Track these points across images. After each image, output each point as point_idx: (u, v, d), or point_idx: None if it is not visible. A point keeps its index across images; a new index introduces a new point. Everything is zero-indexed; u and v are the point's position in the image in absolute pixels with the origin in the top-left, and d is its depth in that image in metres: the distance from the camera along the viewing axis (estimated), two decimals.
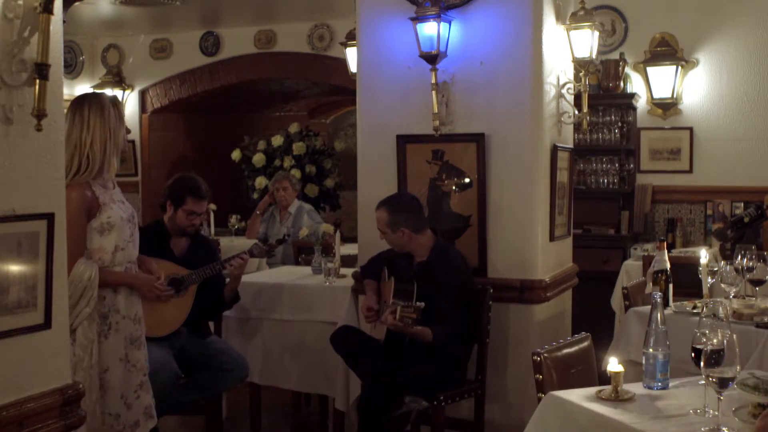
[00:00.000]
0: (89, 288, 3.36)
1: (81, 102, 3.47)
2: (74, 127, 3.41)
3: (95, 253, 3.42)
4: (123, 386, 3.50)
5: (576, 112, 4.73)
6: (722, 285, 3.81)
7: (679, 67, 6.77)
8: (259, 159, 8.36)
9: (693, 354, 2.52)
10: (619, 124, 6.87)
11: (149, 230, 4.59)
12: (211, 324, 4.81)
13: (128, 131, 3.59)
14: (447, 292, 3.98)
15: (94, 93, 3.54)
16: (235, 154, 8.63)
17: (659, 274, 4.02)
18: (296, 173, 7.87)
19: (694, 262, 4.12)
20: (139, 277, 3.61)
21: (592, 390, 2.64)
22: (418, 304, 3.82)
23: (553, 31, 4.51)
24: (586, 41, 4.59)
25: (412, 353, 3.99)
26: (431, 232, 4.21)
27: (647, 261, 5.32)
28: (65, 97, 2.97)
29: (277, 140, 8.40)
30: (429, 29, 4.30)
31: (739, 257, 3.76)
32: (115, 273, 3.47)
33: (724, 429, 2.29)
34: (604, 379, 2.85)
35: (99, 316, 3.44)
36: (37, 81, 2.65)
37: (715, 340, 2.47)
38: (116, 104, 3.53)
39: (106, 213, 3.42)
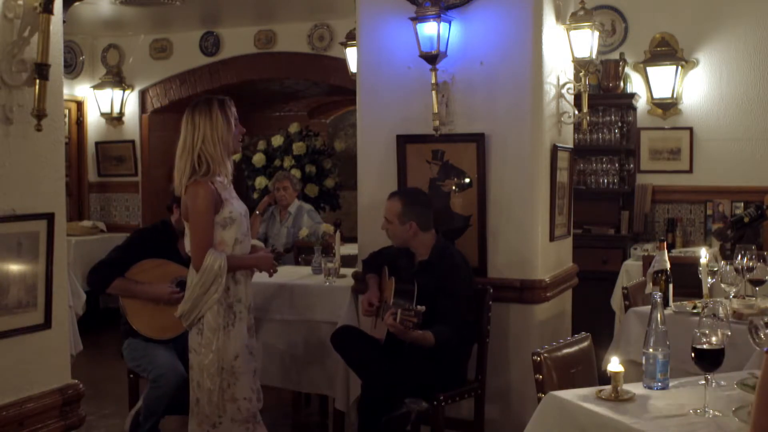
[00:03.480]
0: (219, 276, 3.57)
1: (193, 106, 3.69)
2: (187, 132, 3.64)
3: (218, 246, 3.63)
4: (248, 372, 3.69)
5: (576, 112, 4.73)
6: (722, 285, 3.81)
7: (679, 67, 6.77)
8: (259, 159, 8.36)
9: (693, 354, 2.52)
10: (619, 124, 6.87)
11: (155, 230, 4.59)
12: None
13: (243, 131, 3.78)
14: (448, 292, 3.97)
15: (205, 97, 3.75)
16: (235, 155, 8.62)
17: (659, 274, 4.02)
18: (296, 173, 7.87)
19: (694, 262, 4.12)
20: (259, 258, 3.80)
21: (592, 390, 2.64)
22: (419, 307, 3.78)
23: (553, 31, 4.51)
24: (586, 41, 4.59)
25: (412, 353, 3.98)
26: (434, 232, 4.21)
27: (647, 261, 5.32)
28: (65, 97, 2.98)
29: (277, 140, 8.40)
30: (429, 29, 4.30)
31: (739, 257, 3.76)
32: (239, 258, 3.69)
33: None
34: (604, 379, 2.85)
35: (226, 305, 3.64)
36: (37, 81, 2.65)
37: (714, 339, 2.48)
38: (224, 107, 3.68)
39: (228, 208, 3.64)
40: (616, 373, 2.58)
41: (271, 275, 3.92)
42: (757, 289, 3.90)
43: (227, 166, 3.70)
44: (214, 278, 3.57)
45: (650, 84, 6.87)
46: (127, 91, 9.00)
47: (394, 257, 4.29)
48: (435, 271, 4.05)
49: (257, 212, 7.19)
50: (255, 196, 8.20)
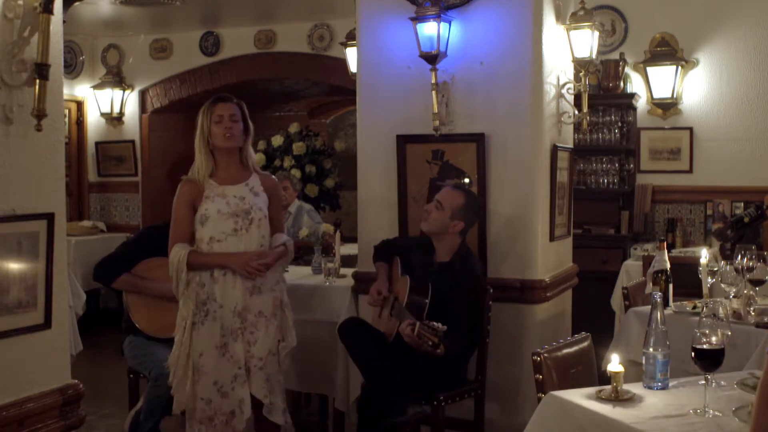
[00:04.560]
0: (179, 270, 3.72)
1: None
2: None
3: (198, 242, 3.80)
4: (217, 374, 3.73)
5: (576, 112, 4.73)
6: (722, 285, 3.80)
7: (679, 67, 6.77)
8: (259, 159, 8.34)
9: (693, 354, 2.52)
10: (619, 124, 6.87)
11: (166, 228, 4.57)
12: None
13: (227, 127, 3.82)
14: (463, 300, 3.94)
15: None
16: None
17: (659, 274, 4.02)
18: (296, 173, 7.87)
19: (694, 262, 4.12)
20: (231, 255, 3.78)
21: (592, 390, 2.64)
22: (440, 326, 3.70)
23: (553, 31, 4.51)
24: (586, 41, 4.59)
25: (414, 353, 3.97)
26: (464, 239, 4.19)
27: (647, 261, 5.32)
28: (65, 97, 2.98)
29: (277, 140, 8.40)
30: (429, 29, 4.30)
31: (739, 257, 3.76)
32: (207, 255, 3.76)
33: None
34: (604, 379, 2.85)
35: (198, 302, 3.74)
36: (37, 81, 2.65)
37: (714, 339, 2.48)
38: (204, 109, 3.86)
39: (204, 206, 3.77)
40: (616, 373, 2.58)
41: (246, 277, 3.78)
42: (757, 289, 3.90)
43: (204, 162, 3.82)
44: (176, 272, 3.73)
45: (650, 84, 6.87)
46: (127, 91, 9.00)
47: (407, 250, 4.25)
48: (453, 276, 4.01)
49: None
50: None
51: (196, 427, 3.76)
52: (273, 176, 4.14)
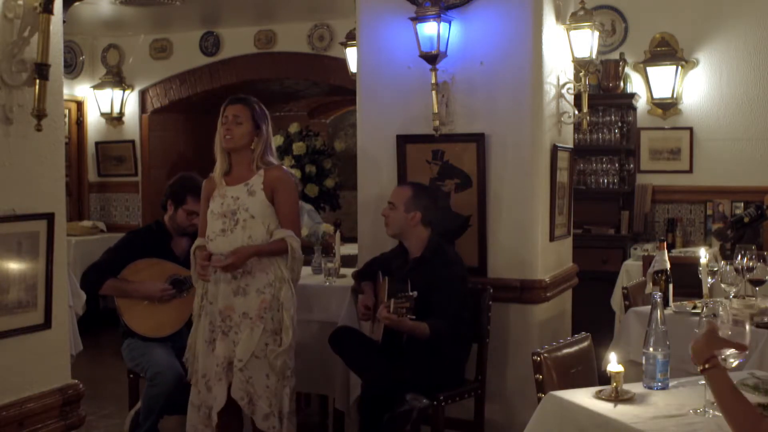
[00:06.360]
0: (192, 261, 3.92)
1: None
2: None
3: None
4: (205, 368, 3.83)
5: (576, 112, 4.73)
6: (722, 285, 3.80)
7: (679, 67, 6.77)
8: None
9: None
10: (619, 124, 6.87)
11: (149, 231, 4.60)
12: None
13: (228, 129, 3.91)
14: (441, 286, 3.96)
15: None
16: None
17: (659, 274, 4.02)
18: (296, 173, 7.86)
19: (694, 262, 4.12)
20: (196, 255, 3.92)
21: (592, 390, 2.64)
22: (410, 293, 3.79)
23: (553, 31, 4.51)
24: (586, 41, 4.59)
25: (410, 353, 3.98)
26: (431, 230, 4.20)
27: (647, 261, 5.32)
28: (65, 97, 2.98)
29: (277, 140, 8.37)
30: (429, 29, 4.30)
31: (739, 257, 3.76)
32: (199, 250, 3.91)
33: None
34: (604, 379, 2.85)
35: (202, 295, 3.91)
36: (37, 81, 2.65)
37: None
38: (223, 106, 3.95)
39: (209, 205, 3.91)
40: (616, 373, 2.58)
41: (202, 278, 3.87)
42: (757, 289, 3.90)
43: (219, 162, 3.95)
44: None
45: (650, 84, 6.87)
46: (127, 91, 8.99)
47: (387, 261, 4.28)
48: (428, 267, 4.04)
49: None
50: None
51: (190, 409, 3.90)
52: (284, 168, 4.05)
